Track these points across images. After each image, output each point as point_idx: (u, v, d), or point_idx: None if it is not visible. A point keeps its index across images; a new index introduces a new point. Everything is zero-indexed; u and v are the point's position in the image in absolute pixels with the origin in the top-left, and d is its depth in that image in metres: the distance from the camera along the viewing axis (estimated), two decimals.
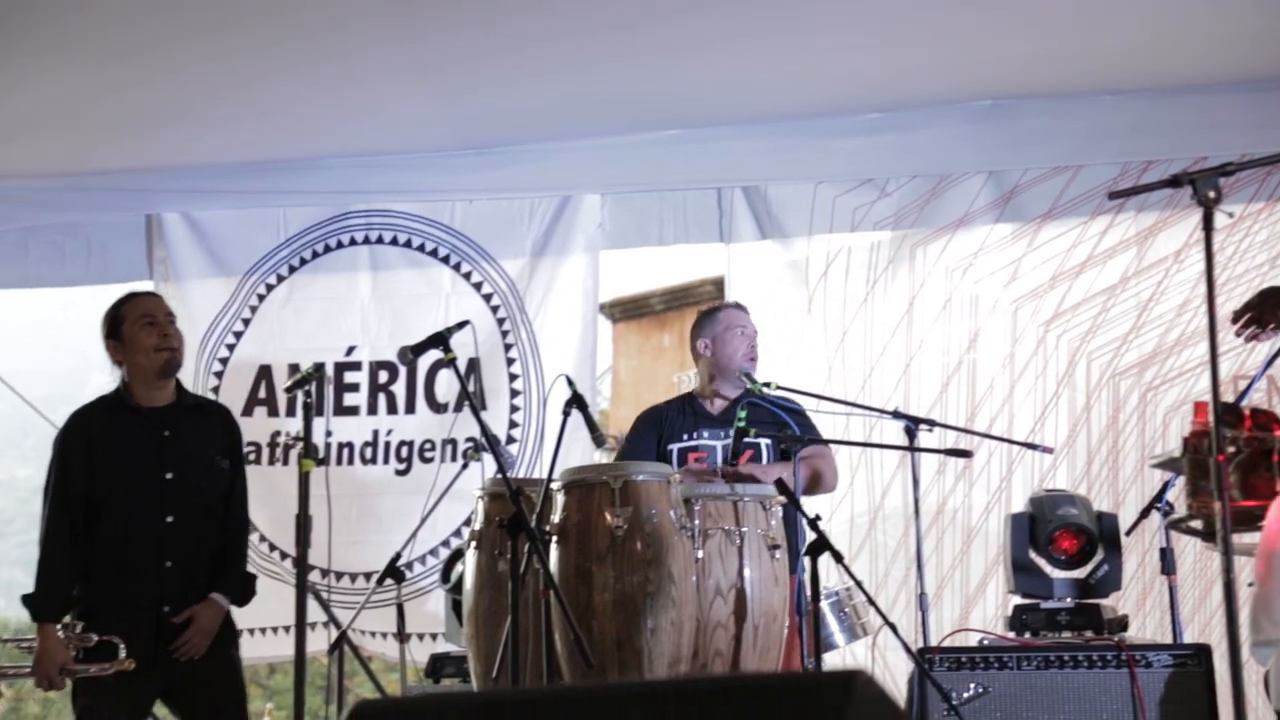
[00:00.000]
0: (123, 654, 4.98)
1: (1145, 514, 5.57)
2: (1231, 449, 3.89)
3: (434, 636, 6.85)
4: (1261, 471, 4.10)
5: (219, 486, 5.27)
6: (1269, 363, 5.19)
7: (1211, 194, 3.73)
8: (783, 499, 4.93)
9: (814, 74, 6.61)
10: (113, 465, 5.16)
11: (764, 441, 5.75)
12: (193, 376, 7.09)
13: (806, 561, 4.81)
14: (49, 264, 7.66)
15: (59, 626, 5.06)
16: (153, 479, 5.14)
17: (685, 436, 5.90)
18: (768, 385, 5.76)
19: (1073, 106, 6.74)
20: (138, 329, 5.23)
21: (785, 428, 5.63)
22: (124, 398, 5.26)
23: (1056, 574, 5.54)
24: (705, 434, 5.84)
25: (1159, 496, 5.47)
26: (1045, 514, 5.57)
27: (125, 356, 5.26)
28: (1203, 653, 5.08)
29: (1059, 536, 5.52)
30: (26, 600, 5.13)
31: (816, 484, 5.83)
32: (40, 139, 7.04)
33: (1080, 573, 5.54)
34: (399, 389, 7.36)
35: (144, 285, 7.55)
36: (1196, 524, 4.40)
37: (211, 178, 7.39)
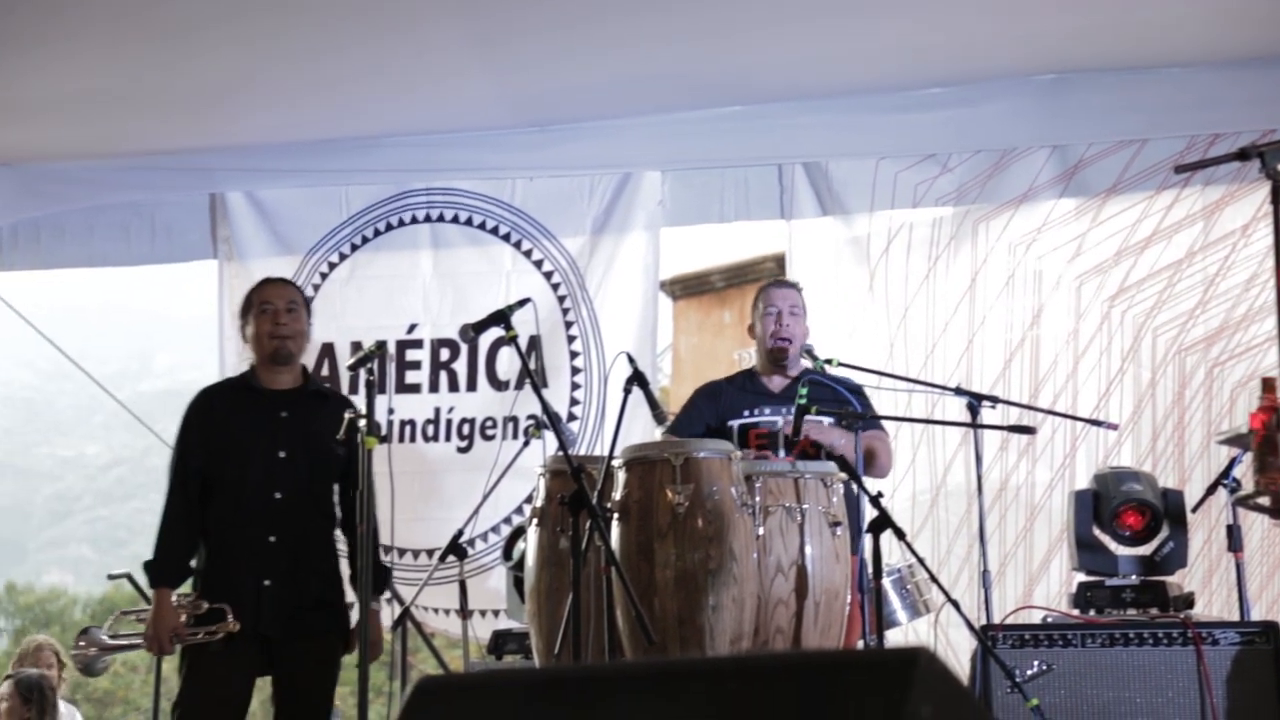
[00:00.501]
0: (230, 619, 5.08)
1: (1212, 490, 5.52)
2: None
3: (496, 613, 6.88)
4: None
5: (331, 471, 5.30)
6: None
7: None
8: (844, 476, 4.91)
9: (875, 49, 6.57)
10: (229, 442, 5.25)
11: (825, 420, 5.73)
12: None
13: (868, 538, 4.79)
14: (114, 243, 7.75)
15: (174, 593, 5.18)
16: (265, 457, 5.22)
17: (746, 413, 5.86)
18: (829, 362, 5.74)
19: (1138, 80, 6.66)
20: (256, 314, 5.32)
21: (846, 404, 5.61)
22: (249, 379, 5.38)
23: (1121, 551, 5.50)
24: (767, 410, 5.81)
25: (1226, 473, 5.42)
26: (1110, 490, 5.52)
27: (249, 338, 5.37)
28: (1270, 630, 5.03)
29: (1124, 513, 5.48)
30: (147, 566, 5.24)
31: (871, 464, 5.78)
32: (104, 119, 7.10)
33: (1145, 549, 5.49)
34: (460, 367, 7.39)
35: (208, 264, 7.63)
36: (1264, 500, 4.35)
37: (274, 157, 7.44)
